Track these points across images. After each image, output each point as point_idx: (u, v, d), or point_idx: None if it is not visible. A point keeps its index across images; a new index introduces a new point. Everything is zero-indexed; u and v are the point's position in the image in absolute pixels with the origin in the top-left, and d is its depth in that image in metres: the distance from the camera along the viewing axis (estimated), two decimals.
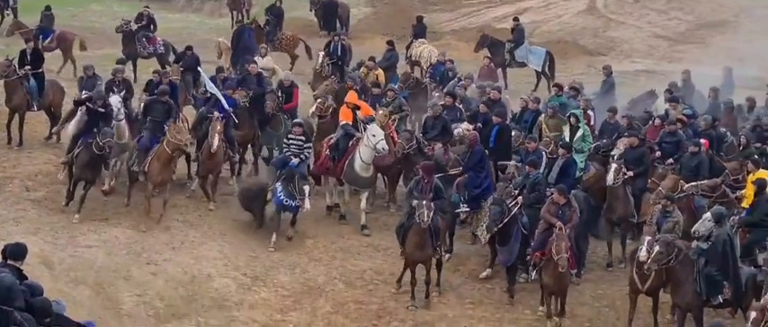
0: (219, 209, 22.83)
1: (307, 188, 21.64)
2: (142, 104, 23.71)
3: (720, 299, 19.03)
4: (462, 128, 23.55)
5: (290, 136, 22.47)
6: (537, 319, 20.38)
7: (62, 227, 21.49)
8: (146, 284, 19.86)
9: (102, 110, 22.31)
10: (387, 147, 22.78)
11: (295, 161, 21.96)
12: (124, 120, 23.12)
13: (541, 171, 21.84)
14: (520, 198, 20.75)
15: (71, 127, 23.38)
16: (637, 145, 22.41)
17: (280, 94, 25.22)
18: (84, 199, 21.87)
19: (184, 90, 26.46)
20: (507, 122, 24.04)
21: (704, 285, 18.92)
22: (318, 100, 25.17)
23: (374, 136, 22.67)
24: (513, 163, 22.89)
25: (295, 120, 23.08)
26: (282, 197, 21.69)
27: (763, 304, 17.13)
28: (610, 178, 21.82)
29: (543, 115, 24.73)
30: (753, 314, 17.15)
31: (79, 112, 22.99)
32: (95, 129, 22.07)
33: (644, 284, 19.40)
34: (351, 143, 23.16)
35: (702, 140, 23.06)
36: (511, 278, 20.88)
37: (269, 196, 22.05)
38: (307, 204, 21.66)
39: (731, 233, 19.64)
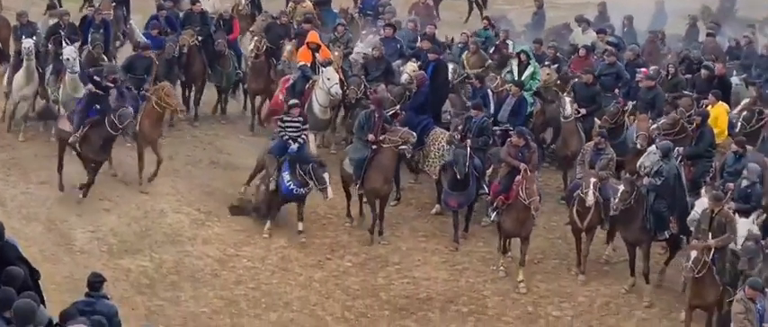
0: (172, 146, 22.70)
1: (326, 175, 20.08)
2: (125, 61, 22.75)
3: (666, 235, 19.25)
4: (409, 71, 22.92)
5: (285, 117, 20.73)
6: (490, 251, 20.54)
7: (14, 164, 21.37)
8: (99, 220, 19.83)
9: (112, 86, 20.44)
10: (340, 92, 22.38)
11: (294, 147, 20.42)
12: (80, 72, 21.78)
13: (490, 110, 21.81)
14: (468, 141, 20.77)
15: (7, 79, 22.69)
16: (591, 82, 22.44)
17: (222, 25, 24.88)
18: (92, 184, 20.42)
19: (116, 25, 25.79)
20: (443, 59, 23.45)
21: (653, 220, 19.12)
22: (255, 37, 24.43)
23: (329, 79, 22.35)
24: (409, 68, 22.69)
25: (291, 101, 21.14)
26: (292, 185, 20.26)
27: (704, 245, 17.32)
28: (568, 111, 21.85)
29: (466, 52, 24.25)
30: (694, 254, 17.39)
31: (84, 91, 20.87)
32: (98, 106, 20.30)
33: (583, 222, 19.58)
34: (307, 85, 22.84)
35: (642, 69, 23.23)
36: (467, 218, 20.96)
37: (271, 186, 20.48)
38: (330, 192, 20.12)
39: (679, 167, 19.84)
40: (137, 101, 21.07)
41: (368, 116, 20.86)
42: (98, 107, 20.25)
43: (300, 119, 20.69)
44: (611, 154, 20.28)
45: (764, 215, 18.95)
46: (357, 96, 22.62)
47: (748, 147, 21.28)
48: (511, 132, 20.73)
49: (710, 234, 17.70)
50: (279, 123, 20.77)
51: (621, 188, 19.02)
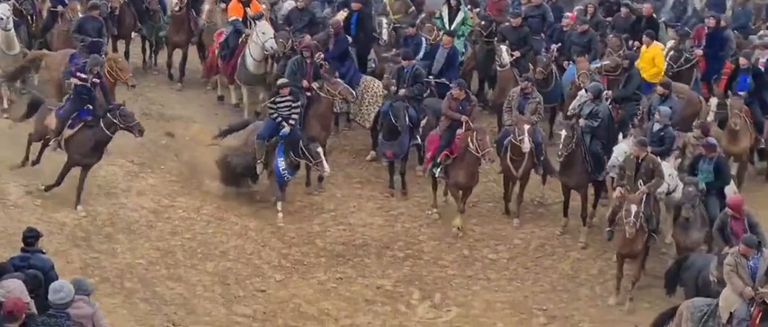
0: None
1: (320, 149, 19.60)
2: (75, 23, 22.21)
3: (603, 175, 19.42)
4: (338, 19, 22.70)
5: (276, 98, 19.89)
6: (425, 196, 20.67)
7: None
8: (32, 174, 19.65)
9: (98, 81, 19.20)
10: (275, 46, 22.11)
11: (286, 129, 19.68)
12: (13, 30, 21.44)
13: (419, 57, 21.78)
14: (402, 90, 20.76)
15: None
16: (519, 25, 22.51)
17: None
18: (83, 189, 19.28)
19: None
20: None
21: (592, 162, 19.27)
22: None
23: (264, 33, 22.16)
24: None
25: (281, 81, 20.26)
26: (286, 173, 19.73)
27: (639, 195, 17.42)
28: (505, 59, 21.90)
29: None
30: (633, 208, 17.49)
31: (70, 90, 19.48)
32: (90, 106, 19.09)
33: (518, 169, 19.69)
34: (240, 40, 22.68)
35: (569, 14, 23.34)
36: (402, 173, 20.96)
37: (259, 170, 19.97)
38: (326, 166, 19.66)
39: (609, 108, 20.01)
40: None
41: (298, 63, 20.85)
42: (90, 107, 19.04)
43: (290, 97, 19.86)
44: (538, 99, 20.35)
45: (679, 159, 19.17)
46: (284, 50, 22.31)
47: (684, 86, 21.61)
48: (448, 84, 20.82)
49: (640, 181, 17.85)
50: (270, 105, 19.96)
51: (563, 133, 19.11)
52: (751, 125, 20.69)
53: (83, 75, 18.98)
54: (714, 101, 21.28)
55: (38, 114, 19.63)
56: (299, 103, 20.11)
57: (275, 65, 22.69)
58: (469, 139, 19.27)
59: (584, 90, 20.28)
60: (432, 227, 20.01)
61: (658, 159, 18.41)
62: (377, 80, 21.91)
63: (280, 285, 18.34)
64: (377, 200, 20.16)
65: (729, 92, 20.96)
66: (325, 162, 19.51)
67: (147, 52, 25.18)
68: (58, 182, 19.03)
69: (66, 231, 18.59)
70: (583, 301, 18.32)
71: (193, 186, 19.47)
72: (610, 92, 20.59)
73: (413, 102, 20.75)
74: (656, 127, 19.32)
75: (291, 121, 19.71)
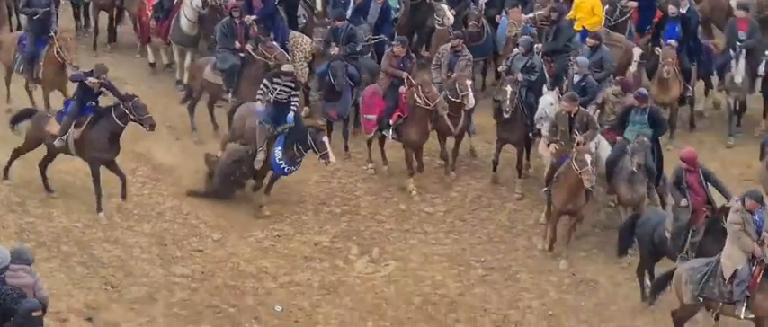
0: None
1: (325, 139, 18.73)
2: None
3: (537, 128, 19.54)
4: None
5: (275, 79, 19.05)
6: (360, 151, 20.76)
7: None
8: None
9: (103, 90, 18.45)
10: (200, 4, 21.99)
11: (291, 115, 18.85)
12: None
13: (349, 14, 21.72)
14: (336, 49, 20.71)
15: None
16: None
17: None
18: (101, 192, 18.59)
19: None
20: None
21: (529, 116, 19.38)
22: None
23: None
24: None
25: (285, 67, 19.44)
26: (284, 165, 18.81)
27: (582, 148, 17.45)
28: (450, 19, 21.88)
29: None
30: (552, 149, 17.74)
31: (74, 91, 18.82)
32: (94, 102, 18.49)
33: (456, 126, 19.75)
34: (175, 1, 22.53)
35: None
36: (345, 131, 20.93)
37: (260, 157, 18.89)
38: (331, 157, 18.77)
39: (542, 61, 20.13)
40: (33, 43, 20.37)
41: (228, 24, 20.78)
42: (93, 103, 18.46)
43: (292, 83, 19.11)
44: (468, 56, 20.41)
45: (598, 110, 19.29)
46: (216, 3, 22.28)
47: (621, 36, 21.74)
48: (385, 41, 20.84)
49: (576, 134, 17.93)
50: (264, 83, 19.07)
51: (508, 88, 19.16)
52: (679, 73, 20.89)
53: (91, 80, 18.25)
54: (637, 50, 21.46)
55: (33, 122, 18.82)
56: (300, 91, 19.61)
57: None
58: (416, 95, 19.29)
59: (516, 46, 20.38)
60: (368, 182, 20.09)
61: (589, 111, 18.52)
62: (305, 36, 21.89)
63: (217, 244, 18.34)
64: (312, 157, 20.13)
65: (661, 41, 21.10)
66: (330, 153, 18.76)
67: (81, 18, 25.09)
68: (99, 193, 18.47)
69: (1, 196, 18.47)
70: (520, 251, 18.49)
71: (127, 148, 19.32)
72: (540, 45, 20.70)
73: (351, 61, 20.74)
74: (576, 78, 19.44)
75: (293, 107, 19.02)
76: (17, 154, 18.93)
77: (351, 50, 20.75)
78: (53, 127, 18.57)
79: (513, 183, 19.87)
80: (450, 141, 20.10)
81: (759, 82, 21.19)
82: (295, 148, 18.70)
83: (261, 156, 18.81)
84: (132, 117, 18.19)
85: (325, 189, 19.88)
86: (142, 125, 18.35)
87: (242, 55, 20.73)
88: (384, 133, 19.90)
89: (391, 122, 19.58)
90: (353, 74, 20.67)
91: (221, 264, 17.87)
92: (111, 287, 17.04)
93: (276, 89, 18.93)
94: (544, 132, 18.82)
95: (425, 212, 19.44)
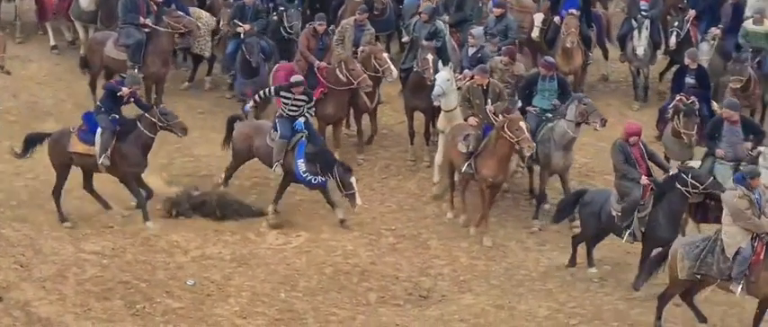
0: None
1: (353, 179, 17.94)
2: None
3: (436, 104, 19.58)
4: None
5: (288, 94, 18.35)
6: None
7: None
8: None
9: (132, 99, 17.94)
10: None
11: (301, 120, 18.24)
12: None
13: None
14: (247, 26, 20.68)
15: None
16: None
17: None
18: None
19: None
20: None
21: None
22: None
23: None
24: None
25: (295, 78, 18.69)
26: (309, 176, 18.08)
27: (511, 118, 17.53)
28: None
29: None
30: (472, 121, 17.87)
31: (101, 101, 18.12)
32: (116, 115, 17.88)
33: (372, 101, 19.85)
34: None
35: None
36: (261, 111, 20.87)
37: (278, 171, 18.34)
38: (358, 200, 18.01)
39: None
40: None
41: (132, 0, 20.59)
42: (116, 116, 17.87)
43: (304, 97, 18.34)
44: (372, 30, 20.54)
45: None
46: None
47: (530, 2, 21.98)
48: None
49: (488, 105, 18.13)
50: (283, 101, 18.42)
51: (429, 56, 19.23)
52: (580, 42, 21.16)
53: (124, 90, 17.69)
54: (538, 16, 21.69)
55: (52, 145, 18.04)
56: (313, 102, 18.71)
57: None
58: (338, 72, 19.28)
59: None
60: None
61: (499, 84, 18.65)
62: (203, 11, 21.86)
63: (127, 220, 18.24)
64: (220, 131, 20.04)
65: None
66: (357, 194, 17.94)
67: None
68: (143, 205, 18.00)
69: None
70: (430, 219, 18.64)
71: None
72: (446, 18, 20.86)
73: (262, 36, 20.74)
74: (472, 50, 19.59)
75: (307, 114, 18.38)
76: (55, 192, 18.08)
77: (260, 27, 20.74)
78: (77, 145, 17.87)
79: (420, 151, 20.01)
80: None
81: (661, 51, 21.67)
82: (318, 168, 18.08)
83: (278, 170, 18.32)
84: (161, 125, 17.69)
85: None
86: (173, 131, 17.89)
87: (146, 30, 20.60)
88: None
89: (314, 98, 19.36)
90: (266, 48, 20.66)
91: (132, 240, 17.79)
92: (21, 266, 16.92)
93: (288, 104, 18.35)
94: (444, 108, 18.87)
95: None
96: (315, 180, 18.12)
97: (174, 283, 16.90)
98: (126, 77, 18.14)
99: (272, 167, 18.33)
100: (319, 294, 16.79)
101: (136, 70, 20.39)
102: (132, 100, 17.92)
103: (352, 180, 17.91)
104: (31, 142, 18.16)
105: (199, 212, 18.39)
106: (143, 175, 18.23)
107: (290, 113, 18.30)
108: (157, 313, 16.22)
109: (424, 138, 20.07)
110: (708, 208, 16.56)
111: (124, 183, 18.07)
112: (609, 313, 16.29)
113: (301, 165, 18.05)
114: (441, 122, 19.08)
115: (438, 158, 19.06)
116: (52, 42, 23.43)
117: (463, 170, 17.89)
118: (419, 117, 20.11)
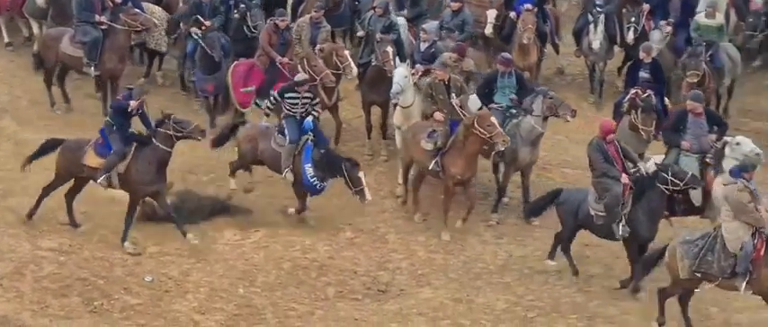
0: None
1: (362, 174, 17.73)
2: None
3: (393, 102, 19.61)
4: None
5: (292, 94, 18.13)
6: (223, 118, 20.70)
7: None
8: None
9: (140, 111, 17.41)
10: None
11: (310, 119, 18.01)
12: None
13: None
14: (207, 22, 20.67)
15: None
16: None
17: None
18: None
19: None
20: None
21: None
22: None
23: None
24: None
25: (299, 77, 18.46)
26: (316, 181, 17.83)
27: (483, 113, 17.69)
28: None
29: None
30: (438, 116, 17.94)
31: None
32: (126, 122, 17.38)
33: (331, 98, 19.75)
34: None
35: None
36: (225, 104, 20.86)
37: (288, 176, 18.03)
38: (368, 195, 17.79)
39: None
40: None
41: None
42: (131, 134, 17.46)
43: (310, 95, 18.19)
44: (328, 27, 20.64)
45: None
46: None
47: None
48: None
49: (453, 99, 18.18)
50: (274, 97, 18.47)
51: (389, 49, 19.31)
52: (536, 38, 21.27)
53: (133, 104, 17.19)
54: (492, 13, 21.77)
55: (63, 154, 17.59)
56: (317, 100, 18.54)
57: None
58: (300, 68, 19.24)
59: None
60: (233, 152, 20.02)
61: (460, 78, 18.72)
62: (157, 6, 21.90)
63: (85, 216, 18.17)
64: None
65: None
66: (366, 189, 17.79)
67: None
68: (129, 224, 17.51)
69: None
70: (388, 213, 18.73)
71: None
72: (405, 11, 20.95)
73: (222, 32, 20.79)
74: (424, 45, 19.67)
75: (314, 113, 18.21)
76: (46, 192, 17.79)
77: (219, 22, 20.74)
78: (92, 159, 17.45)
79: (378, 145, 20.06)
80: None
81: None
82: (326, 171, 17.89)
83: (289, 176, 18.07)
84: (178, 135, 17.20)
85: (190, 158, 19.74)
86: (192, 138, 17.45)
87: (103, 27, 20.54)
88: (258, 103, 19.87)
89: (273, 92, 19.07)
90: (225, 44, 20.66)
91: (89, 236, 17.73)
92: None
93: (297, 104, 18.14)
94: (402, 104, 18.93)
95: None
96: (320, 186, 17.94)
97: (131, 279, 16.86)
98: (133, 89, 17.77)
99: (280, 173, 18.17)
100: (278, 289, 16.81)
101: (92, 69, 20.34)
102: (139, 112, 17.43)
103: (361, 175, 17.69)
104: (43, 151, 17.72)
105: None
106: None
107: (297, 111, 18.08)
108: (115, 309, 16.20)
109: (380, 132, 20.08)
110: (674, 201, 16.64)
111: (131, 199, 17.48)
112: (567, 305, 16.40)
113: (309, 170, 17.81)
114: (397, 118, 19.13)
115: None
116: (6, 39, 23.28)
117: (430, 168, 17.87)
118: (376, 111, 20.17)
